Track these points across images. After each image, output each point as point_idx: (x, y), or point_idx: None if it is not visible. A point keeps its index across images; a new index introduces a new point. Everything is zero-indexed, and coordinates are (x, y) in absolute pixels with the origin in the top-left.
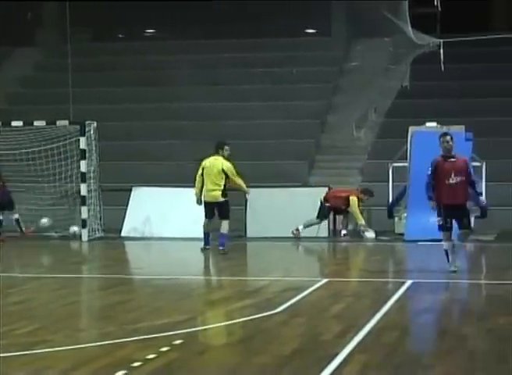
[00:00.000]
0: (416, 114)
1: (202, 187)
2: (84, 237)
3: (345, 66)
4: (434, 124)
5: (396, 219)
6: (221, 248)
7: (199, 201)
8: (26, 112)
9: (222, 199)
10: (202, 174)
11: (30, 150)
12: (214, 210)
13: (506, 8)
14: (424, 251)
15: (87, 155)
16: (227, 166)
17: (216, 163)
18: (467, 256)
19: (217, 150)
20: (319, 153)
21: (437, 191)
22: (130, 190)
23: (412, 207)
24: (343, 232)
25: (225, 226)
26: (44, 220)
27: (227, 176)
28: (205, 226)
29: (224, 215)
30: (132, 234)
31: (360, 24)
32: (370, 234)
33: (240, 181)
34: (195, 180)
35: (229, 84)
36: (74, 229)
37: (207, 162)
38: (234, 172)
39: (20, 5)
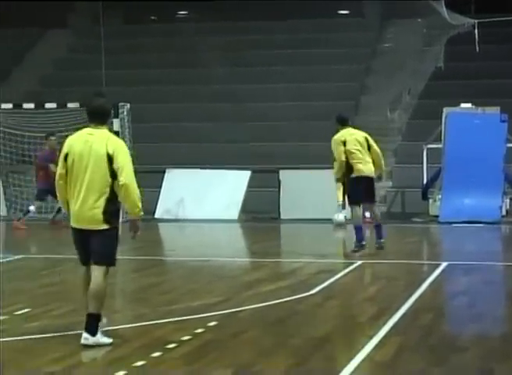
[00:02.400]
0: (450, 95)
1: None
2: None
3: (378, 47)
4: (468, 105)
5: (431, 201)
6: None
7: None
8: (58, 94)
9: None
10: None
11: (64, 133)
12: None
13: None
14: (458, 233)
15: (120, 136)
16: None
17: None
18: (502, 238)
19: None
20: None
21: None
22: (164, 172)
23: (447, 189)
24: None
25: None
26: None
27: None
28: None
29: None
30: (165, 216)
31: (393, 5)
32: (339, 217)
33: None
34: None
35: (262, 66)
36: None
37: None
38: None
39: None
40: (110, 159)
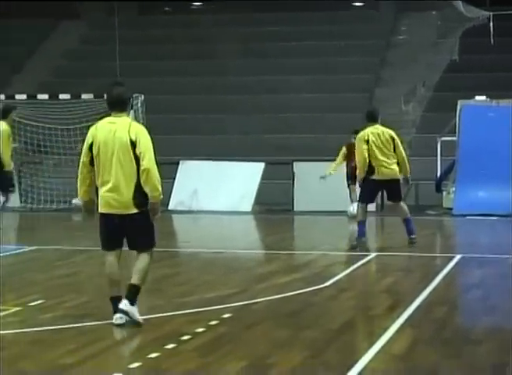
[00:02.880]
0: (465, 88)
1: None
2: None
3: (392, 39)
4: (483, 98)
5: (445, 193)
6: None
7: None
8: (72, 85)
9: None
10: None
11: (78, 125)
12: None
13: None
14: (472, 226)
15: None
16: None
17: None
18: None
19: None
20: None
21: None
22: (178, 163)
23: (461, 181)
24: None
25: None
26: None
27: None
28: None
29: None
30: (179, 208)
31: None
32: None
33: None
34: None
35: (276, 58)
36: None
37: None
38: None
39: None
40: (133, 145)
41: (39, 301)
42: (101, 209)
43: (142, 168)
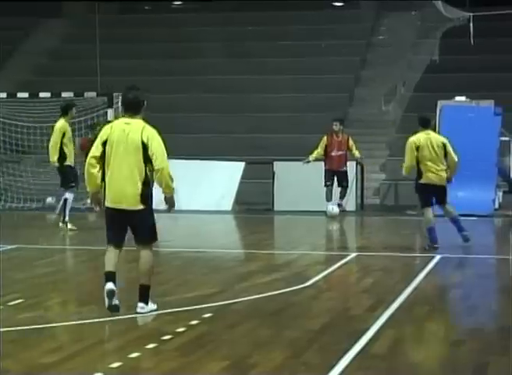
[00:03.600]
0: (445, 88)
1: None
2: None
3: (373, 39)
4: (463, 98)
5: None
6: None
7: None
8: (53, 84)
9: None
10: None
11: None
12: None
13: None
14: (451, 226)
15: None
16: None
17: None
18: (496, 231)
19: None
20: (347, 127)
21: None
22: None
23: None
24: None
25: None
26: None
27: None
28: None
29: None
30: (160, 207)
31: None
32: (334, 209)
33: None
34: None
35: (257, 57)
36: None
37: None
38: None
39: None
40: (144, 147)
41: (19, 301)
42: (108, 204)
43: (156, 168)
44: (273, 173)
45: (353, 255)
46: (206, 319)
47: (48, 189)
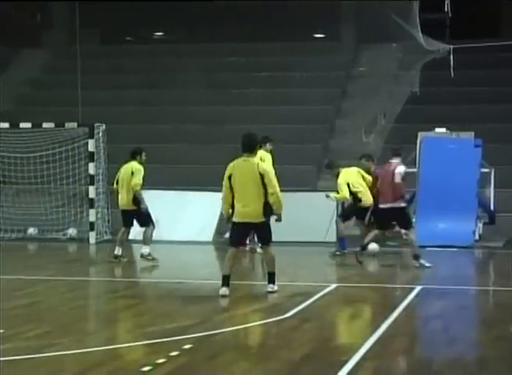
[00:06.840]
0: (425, 120)
1: None
2: (92, 240)
3: (353, 71)
4: (443, 130)
5: None
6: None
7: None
8: (34, 114)
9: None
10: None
11: (38, 153)
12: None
13: None
14: (432, 257)
15: (95, 157)
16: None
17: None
18: (476, 263)
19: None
20: (328, 158)
21: None
22: None
23: (421, 213)
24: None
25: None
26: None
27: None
28: None
29: None
30: (140, 238)
31: (368, 29)
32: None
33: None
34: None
35: (236, 88)
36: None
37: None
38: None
39: (29, 6)
40: (261, 177)
41: None
42: (237, 219)
43: (270, 192)
44: None
45: (334, 286)
46: (186, 350)
47: (28, 220)
